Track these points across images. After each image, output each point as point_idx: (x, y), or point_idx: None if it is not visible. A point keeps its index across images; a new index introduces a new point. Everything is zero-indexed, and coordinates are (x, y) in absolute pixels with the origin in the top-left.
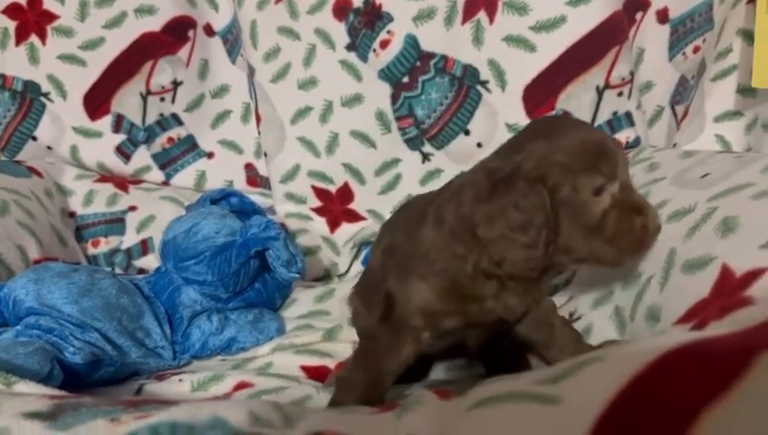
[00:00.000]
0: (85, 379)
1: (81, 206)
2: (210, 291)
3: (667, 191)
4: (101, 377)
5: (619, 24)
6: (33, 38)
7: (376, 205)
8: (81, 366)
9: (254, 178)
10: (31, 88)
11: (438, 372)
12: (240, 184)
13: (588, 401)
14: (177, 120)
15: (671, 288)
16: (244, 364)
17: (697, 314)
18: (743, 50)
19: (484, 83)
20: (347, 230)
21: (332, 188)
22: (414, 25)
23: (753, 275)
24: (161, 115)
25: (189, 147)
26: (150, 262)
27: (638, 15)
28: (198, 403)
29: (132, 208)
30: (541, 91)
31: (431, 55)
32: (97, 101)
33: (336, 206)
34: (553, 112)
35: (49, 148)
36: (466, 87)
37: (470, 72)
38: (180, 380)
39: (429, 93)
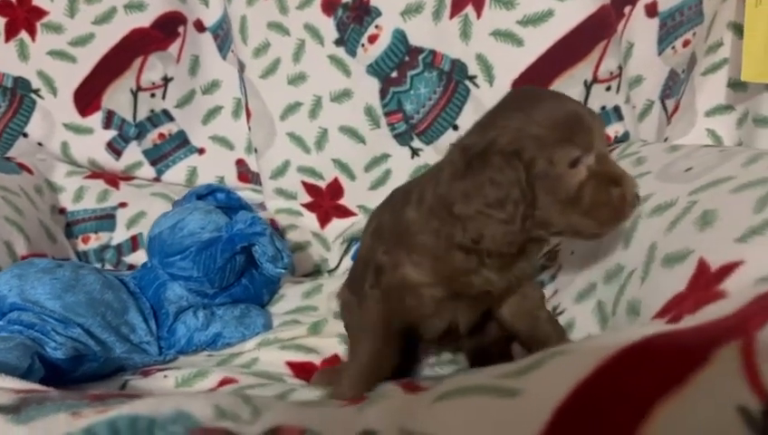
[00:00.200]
0: (69, 374)
1: (72, 202)
2: (196, 287)
3: (652, 185)
4: (85, 372)
5: (607, 18)
6: (23, 34)
7: (366, 200)
8: (64, 361)
9: (245, 173)
10: (21, 84)
11: (425, 370)
12: (231, 180)
13: (547, 393)
14: (167, 116)
15: (651, 282)
16: (230, 360)
17: (673, 309)
18: (733, 44)
19: (472, 78)
20: (337, 226)
21: (322, 184)
22: (402, 20)
23: (728, 269)
24: (152, 111)
25: (180, 143)
26: (140, 258)
27: (627, 9)
28: (164, 397)
29: (123, 205)
30: None
31: (419, 50)
32: (87, 97)
33: (326, 201)
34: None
35: (40, 144)
36: (455, 82)
37: (458, 67)
38: (165, 376)
39: (418, 88)
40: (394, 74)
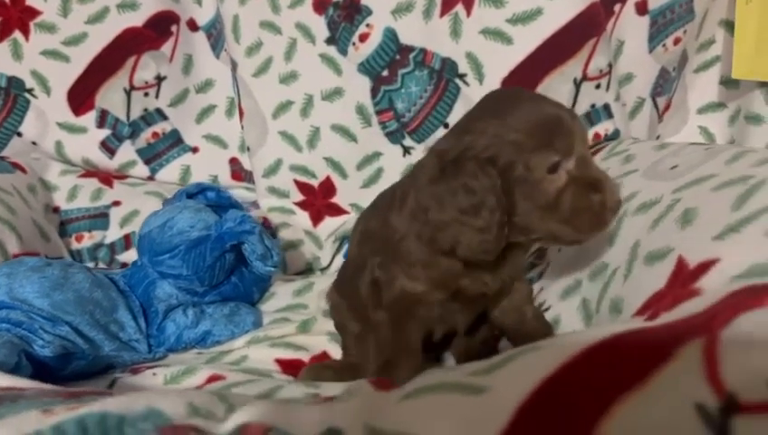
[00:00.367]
0: (57, 372)
1: (66, 201)
2: (185, 285)
3: (638, 183)
4: (74, 370)
5: (596, 17)
6: (17, 34)
7: (358, 199)
8: (52, 359)
9: (238, 172)
10: (15, 84)
11: None
12: (225, 178)
13: (512, 391)
14: (161, 115)
15: (633, 280)
16: (220, 357)
17: (653, 306)
18: (725, 41)
19: (462, 76)
20: (330, 224)
21: (314, 183)
22: (393, 19)
23: (705, 267)
24: (146, 110)
25: (174, 142)
26: (133, 256)
27: (617, 7)
28: (138, 394)
29: (116, 203)
30: (518, 84)
31: (410, 49)
32: (81, 96)
33: (318, 200)
34: None
35: (34, 143)
36: (445, 80)
37: (449, 66)
38: (154, 373)
39: (409, 87)
40: (385, 73)
